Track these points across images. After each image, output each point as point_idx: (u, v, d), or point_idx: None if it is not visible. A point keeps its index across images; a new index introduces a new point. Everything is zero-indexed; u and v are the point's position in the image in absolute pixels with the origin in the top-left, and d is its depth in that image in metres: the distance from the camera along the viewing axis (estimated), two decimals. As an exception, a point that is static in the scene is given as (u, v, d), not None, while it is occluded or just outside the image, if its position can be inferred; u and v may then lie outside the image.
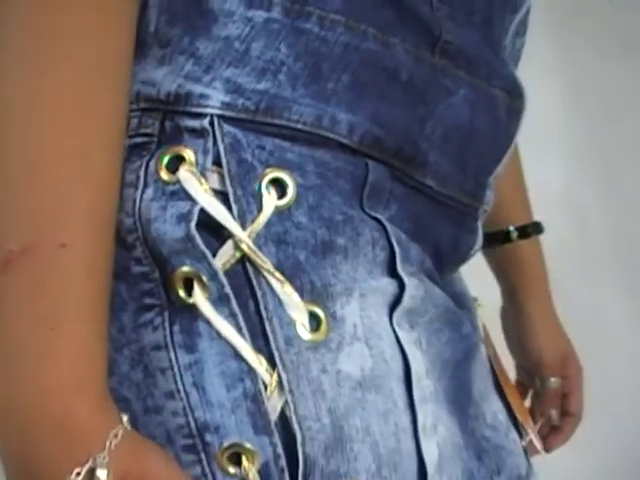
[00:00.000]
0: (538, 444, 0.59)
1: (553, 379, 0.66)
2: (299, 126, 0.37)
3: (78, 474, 0.31)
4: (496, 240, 0.64)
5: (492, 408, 0.51)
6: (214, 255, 0.35)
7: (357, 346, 0.37)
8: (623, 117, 1.23)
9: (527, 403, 0.69)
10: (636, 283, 1.24)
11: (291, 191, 0.36)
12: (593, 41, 1.21)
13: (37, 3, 0.33)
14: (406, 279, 0.39)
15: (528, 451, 0.54)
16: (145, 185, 0.36)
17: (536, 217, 0.70)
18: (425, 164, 0.41)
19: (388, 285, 0.39)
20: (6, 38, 0.33)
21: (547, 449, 0.65)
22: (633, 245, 1.23)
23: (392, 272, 0.39)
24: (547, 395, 0.66)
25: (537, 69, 1.11)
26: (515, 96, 0.46)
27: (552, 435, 0.67)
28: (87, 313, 0.32)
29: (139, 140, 0.37)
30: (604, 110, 1.22)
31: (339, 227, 0.37)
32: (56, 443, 0.31)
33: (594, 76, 1.22)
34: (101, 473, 0.31)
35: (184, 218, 0.35)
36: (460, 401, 0.42)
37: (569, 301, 1.18)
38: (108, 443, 0.31)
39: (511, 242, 0.66)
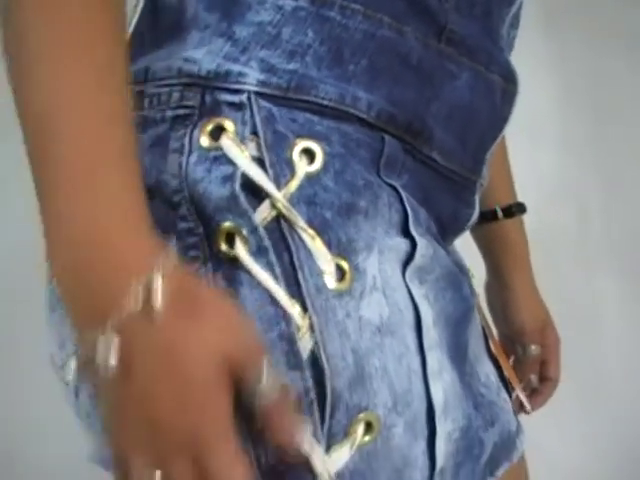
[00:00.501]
0: (526, 402, 0.65)
1: (533, 347, 0.72)
2: (325, 102, 0.42)
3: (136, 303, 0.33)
4: (483, 219, 0.69)
5: (485, 369, 0.57)
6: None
7: (376, 296, 0.41)
8: (618, 106, 1.27)
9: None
10: (632, 268, 1.27)
11: (319, 158, 0.41)
12: (586, 33, 1.24)
13: None
14: (418, 239, 0.44)
15: (516, 410, 0.60)
16: (190, 151, 0.40)
17: (533, 203, 0.75)
18: (431, 139, 0.46)
19: (401, 244, 0.44)
20: None
21: (528, 411, 0.71)
22: (629, 231, 1.27)
23: (405, 233, 0.44)
24: (527, 361, 0.72)
25: (531, 62, 1.16)
26: (510, 81, 0.51)
27: (532, 398, 0.72)
28: (120, 161, 0.36)
29: (181, 112, 0.41)
30: (599, 100, 1.26)
31: (361, 191, 0.42)
32: (115, 266, 0.34)
33: (589, 68, 1.26)
34: (156, 286, 0.33)
35: (229, 179, 0.39)
36: (458, 357, 0.47)
37: (567, 286, 1.22)
38: (161, 263, 0.34)
39: (497, 221, 0.71)
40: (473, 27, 0.48)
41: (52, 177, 0.35)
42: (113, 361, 0.33)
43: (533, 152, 1.22)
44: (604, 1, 1.24)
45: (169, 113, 0.41)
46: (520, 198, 0.74)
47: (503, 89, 0.51)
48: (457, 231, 0.54)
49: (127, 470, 0.34)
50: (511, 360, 0.74)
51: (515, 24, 0.55)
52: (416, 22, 0.45)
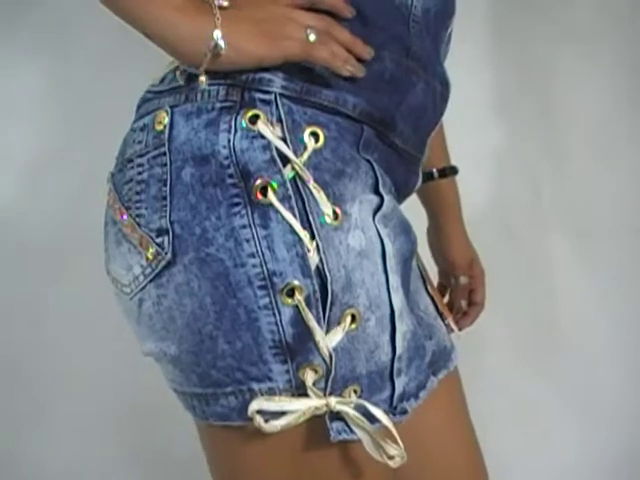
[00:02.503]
0: (454, 326, 0.85)
1: (462, 277, 0.92)
2: (325, 103, 0.61)
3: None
4: (424, 179, 0.87)
5: (423, 301, 0.78)
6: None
7: (357, 231, 0.60)
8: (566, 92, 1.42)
9: (446, 299, 0.95)
10: (578, 231, 1.41)
11: (322, 139, 0.60)
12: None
13: None
14: (384, 196, 0.63)
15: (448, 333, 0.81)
16: (235, 131, 0.58)
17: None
18: (395, 129, 0.66)
19: (374, 199, 0.62)
20: None
21: (460, 328, 0.91)
22: (574, 198, 1.42)
23: (376, 192, 0.63)
24: (458, 289, 0.93)
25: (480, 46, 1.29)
26: (445, 86, 0.71)
27: (462, 319, 0.93)
28: None
29: (227, 104, 0.59)
30: (549, 86, 1.41)
31: (348, 162, 0.61)
32: (190, 21, 0.58)
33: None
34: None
35: (268, 148, 0.57)
36: (405, 285, 0.65)
37: (522, 247, 1.36)
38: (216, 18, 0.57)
39: (434, 180, 0.91)
40: (427, 46, 0.67)
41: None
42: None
43: (489, 131, 1.35)
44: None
45: (217, 105, 0.59)
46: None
47: (440, 92, 0.71)
48: (407, 194, 0.73)
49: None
50: (446, 298, 0.95)
51: (448, 41, 0.74)
52: (391, 47, 0.64)
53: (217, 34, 0.57)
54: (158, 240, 0.59)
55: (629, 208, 1.43)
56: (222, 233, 0.57)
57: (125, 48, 1.06)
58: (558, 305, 1.40)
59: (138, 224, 0.61)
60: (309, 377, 0.57)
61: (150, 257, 0.60)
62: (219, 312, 0.57)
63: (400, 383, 0.61)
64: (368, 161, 0.63)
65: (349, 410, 0.57)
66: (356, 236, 0.59)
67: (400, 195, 0.70)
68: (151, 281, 0.60)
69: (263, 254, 0.56)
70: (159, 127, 0.61)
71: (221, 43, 0.57)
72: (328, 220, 0.58)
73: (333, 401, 0.57)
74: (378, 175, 0.63)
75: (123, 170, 0.64)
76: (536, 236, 1.39)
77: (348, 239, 0.59)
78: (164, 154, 0.60)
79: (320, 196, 0.58)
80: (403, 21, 0.64)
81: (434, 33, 0.68)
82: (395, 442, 0.58)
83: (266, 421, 0.57)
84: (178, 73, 0.62)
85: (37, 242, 1.31)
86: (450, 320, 0.83)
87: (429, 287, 0.80)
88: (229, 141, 0.58)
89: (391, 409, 0.61)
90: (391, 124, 0.65)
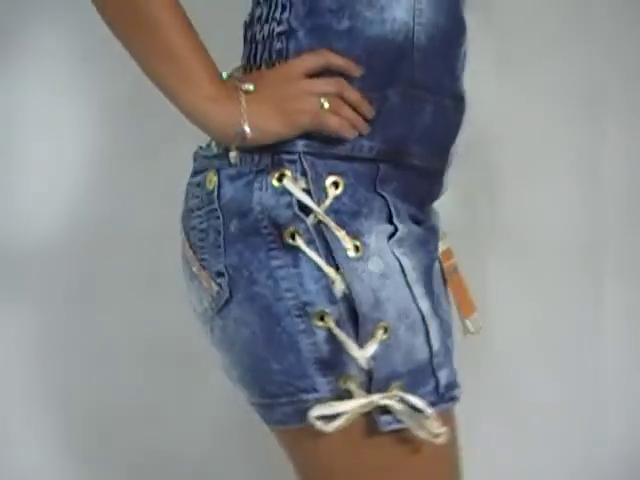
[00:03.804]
0: (470, 326, 0.89)
1: None
2: (342, 153, 0.71)
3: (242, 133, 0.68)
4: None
5: (444, 302, 0.85)
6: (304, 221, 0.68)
7: (374, 258, 0.70)
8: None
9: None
10: (516, 247, 1.43)
11: (341, 187, 0.70)
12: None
13: None
14: (397, 225, 0.73)
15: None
16: (266, 189, 0.69)
17: None
18: (411, 154, 0.74)
19: (388, 228, 0.72)
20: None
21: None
22: (512, 215, 1.44)
23: (390, 222, 0.73)
24: None
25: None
26: (458, 100, 0.78)
27: None
28: (196, 49, 0.69)
29: (261, 167, 0.70)
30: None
31: (363, 204, 0.71)
32: (220, 110, 0.69)
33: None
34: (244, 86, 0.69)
35: (291, 204, 0.68)
36: (430, 291, 0.74)
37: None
38: (243, 100, 0.68)
39: None
40: (436, 68, 0.74)
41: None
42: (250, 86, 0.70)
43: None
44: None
45: (254, 169, 0.71)
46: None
47: (454, 107, 0.78)
48: (433, 200, 0.82)
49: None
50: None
51: (464, 57, 0.80)
52: (396, 84, 0.72)
53: (244, 123, 0.68)
54: (218, 281, 0.72)
55: (563, 225, 1.45)
56: (264, 274, 0.69)
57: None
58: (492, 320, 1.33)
59: (203, 266, 0.74)
60: (350, 383, 0.68)
61: (214, 295, 0.73)
62: (268, 338, 0.70)
63: (443, 375, 0.72)
64: (383, 197, 0.73)
65: (393, 403, 0.67)
66: (374, 262, 0.70)
67: (425, 204, 0.80)
68: (216, 314, 0.74)
69: (296, 289, 0.68)
70: (210, 186, 0.73)
71: (247, 130, 0.68)
72: (350, 254, 0.68)
73: (376, 398, 0.67)
74: (391, 209, 0.73)
75: (188, 217, 0.77)
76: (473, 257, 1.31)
77: (368, 266, 0.69)
78: (215, 209, 0.72)
79: (342, 235, 0.68)
80: (406, 57, 0.71)
81: (444, 55, 0.75)
82: (438, 425, 0.67)
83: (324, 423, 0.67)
84: (213, 144, 0.75)
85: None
86: (469, 319, 0.89)
87: (449, 287, 0.87)
88: (260, 198, 0.69)
89: (438, 398, 0.71)
90: (405, 151, 0.74)
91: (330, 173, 0.70)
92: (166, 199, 0.93)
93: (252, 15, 0.75)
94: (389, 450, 0.71)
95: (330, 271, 0.68)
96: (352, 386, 0.68)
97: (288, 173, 0.69)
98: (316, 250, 0.68)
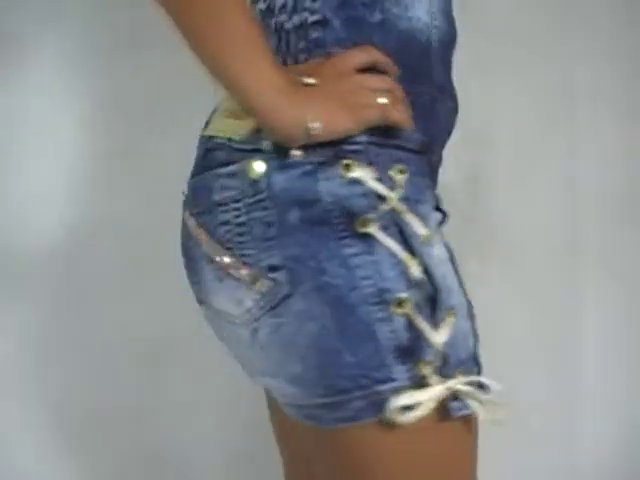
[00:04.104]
0: None
1: None
2: (400, 143, 0.72)
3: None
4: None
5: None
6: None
7: (437, 243, 0.72)
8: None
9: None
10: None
11: (406, 174, 0.69)
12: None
13: None
14: (444, 211, 0.76)
15: None
16: (333, 179, 0.68)
17: None
18: (434, 151, 0.78)
19: (437, 215, 0.75)
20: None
21: None
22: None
23: (437, 209, 0.76)
24: None
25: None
26: (454, 102, 0.82)
27: None
28: (261, 38, 0.66)
29: (322, 159, 0.68)
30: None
31: (422, 190, 0.73)
32: (287, 103, 0.66)
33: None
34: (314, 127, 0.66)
35: (365, 193, 0.68)
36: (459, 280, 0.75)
37: None
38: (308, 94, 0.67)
39: None
40: (443, 72, 0.78)
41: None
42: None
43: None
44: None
45: (314, 159, 0.68)
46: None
47: (453, 108, 0.82)
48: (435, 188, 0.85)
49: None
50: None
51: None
52: (423, 81, 0.75)
53: (313, 119, 0.65)
54: (272, 276, 0.68)
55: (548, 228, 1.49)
56: (335, 263, 0.67)
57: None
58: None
59: (245, 263, 0.69)
60: (427, 369, 0.66)
61: (265, 292, 0.69)
62: (341, 330, 0.67)
63: (481, 362, 0.72)
64: (429, 185, 0.76)
65: (468, 388, 0.67)
66: (438, 248, 0.72)
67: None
68: (267, 312, 0.69)
69: (373, 276, 0.67)
70: (253, 175, 0.68)
71: (317, 125, 0.65)
72: (422, 239, 0.69)
73: (453, 383, 0.67)
74: (437, 197, 0.77)
75: (213, 212, 0.72)
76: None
77: (435, 251, 0.71)
78: (262, 200, 0.68)
79: (415, 221, 0.69)
80: (428, 57, 0.74)
81: (447, 59, 0.79)
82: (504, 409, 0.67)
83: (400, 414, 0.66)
84: (265, 145, 0.69)
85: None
86: None
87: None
88: (330, 189, 0.68)
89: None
90: (432, 147, 0.77)
91: (395, 162, 0.69)
92: (166, 199, 0.93)
93: (272, 4, 0.74)
94: (457, 436, 0.70)
95: (407, 257, 0.67)
96: (428, 372, 0.66)
97: (354, 162, 0.67)
98: (391, 236, 0.67)
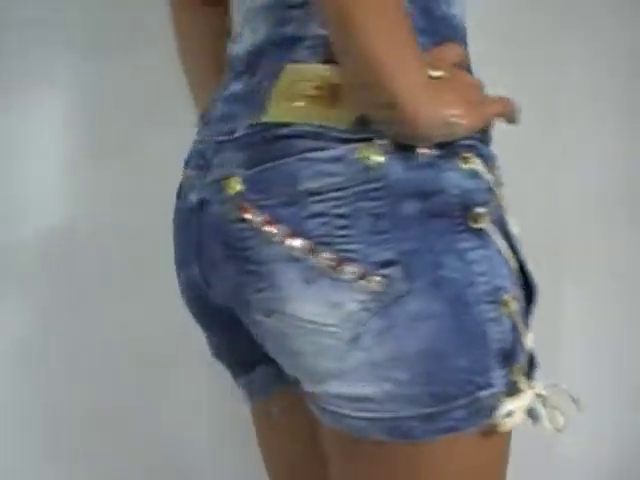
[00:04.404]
0: None
1: None
2: (486, 139, 0.70)
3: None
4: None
5: None
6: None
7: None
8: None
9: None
10: None
11: (499, 170, 0.69)
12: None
13: None
14: None
15: None
16: (456, 170, 0.65)
17: None
18: None
19: None
20: None
21: None
22: None
23: None
24: None
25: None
26: None
27: None
28: (411, 34, 0.60)
29: (443, 152, 0.65)
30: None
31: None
32: (427, 99, 0.61)
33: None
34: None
35: (488, 187, 0.66)
36: None
37: None
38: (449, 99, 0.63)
39: None
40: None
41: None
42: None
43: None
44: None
45: (435, 153, 0.64)
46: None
47: None
48: None
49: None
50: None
51: None
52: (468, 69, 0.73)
53: (454, 115, 0.62)
54: (384, 272, 0.61)
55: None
56: (453, 257, 0.63)
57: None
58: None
59: (349, 259, 0.62)
60: (518, 375, 0.65)
61: (377, 290, 0.61)
62: (457, 330, 0.62)
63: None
64: None
65: (550, 393, 0.67)
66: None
67: None
68: (376, 313, 0.62)
69: (489, 272, 0.64)
70: (369, 162, 0.62)
71: (459, 122, 0.62)
72: (517, 238, 0.69)
73: (539, 389, 0.66)
74: None
75: (300, 203, 0.62)
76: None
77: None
78: (376, 189, 0.62)
79: (511, 219, 0.68)
80: (468, 55, 0.73)
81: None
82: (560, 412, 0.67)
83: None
84: (379, 144, 0.63)
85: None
86: None
87: None
88: (457, 181, 0.64)
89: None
90: None
91: (493, 158, 0.69)
92: (166, 199, 0.93)
93: None
94: (508, 440, 0.69)
95: (510, 255, 0.66)
96: (519, 377, 0.65)
97: (470, 156, 0.65)
98: (499, 232, 0.66)
